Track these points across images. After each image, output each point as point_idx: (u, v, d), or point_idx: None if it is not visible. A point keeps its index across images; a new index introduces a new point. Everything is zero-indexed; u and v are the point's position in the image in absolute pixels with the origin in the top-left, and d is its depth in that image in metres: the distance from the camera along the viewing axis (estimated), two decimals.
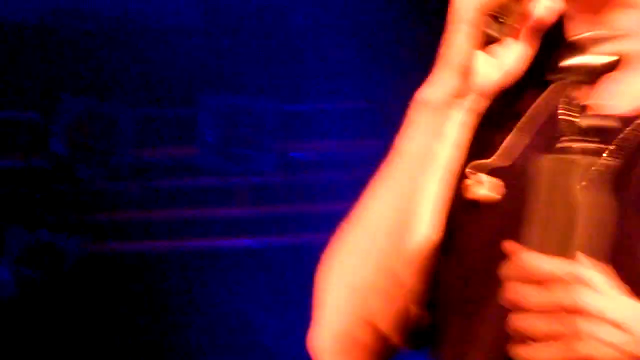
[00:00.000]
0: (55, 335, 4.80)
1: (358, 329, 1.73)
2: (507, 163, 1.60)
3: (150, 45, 4.60)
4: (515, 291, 1.44)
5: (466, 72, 1.58)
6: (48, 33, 4.58)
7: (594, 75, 1.47)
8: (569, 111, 1.58)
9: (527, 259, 1.42)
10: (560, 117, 1.56)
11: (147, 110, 4.72)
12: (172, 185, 4.95)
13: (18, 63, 4.64)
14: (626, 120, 1.61)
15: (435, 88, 1.60)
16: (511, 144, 1.60)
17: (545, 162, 1.39)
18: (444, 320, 1.66)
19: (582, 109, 1.56)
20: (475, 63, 1.56)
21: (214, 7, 4.65)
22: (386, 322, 1.70)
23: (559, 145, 1.41)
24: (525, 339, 1.43)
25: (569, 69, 1.46)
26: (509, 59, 1.59)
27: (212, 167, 4.85)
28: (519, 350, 1.44)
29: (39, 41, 4.57)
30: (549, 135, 1.58)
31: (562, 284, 1.42)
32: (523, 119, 1.65)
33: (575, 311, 1.43)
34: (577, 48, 1.47)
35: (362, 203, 1.69)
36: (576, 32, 1.63)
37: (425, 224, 1.66)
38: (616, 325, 1.43)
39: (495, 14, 1.56)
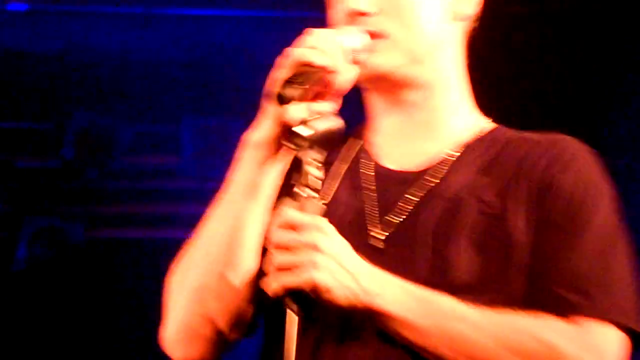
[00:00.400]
0: (59, 304, 5.06)
1: (198, 324, 1.79)
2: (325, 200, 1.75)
3: (143, 73, 4.81)
4: (275, 234, 1.61)
5: (278, 122, 1.65)
6: (63, 62, 4.76)
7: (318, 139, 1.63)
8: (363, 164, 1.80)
9: (287, 212, 1.61)
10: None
11: (139, 125, 4.91)
12: (157, 185, 5.20)
13: (38, 85, 4.83)
14: (415, 175, 1.77)
15: (258, 131, 1.68)
16: (324, 186, 1.72)
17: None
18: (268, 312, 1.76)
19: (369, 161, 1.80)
20: (285, 115, 1.62)
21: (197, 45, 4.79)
22: (222, 319, 1.78)
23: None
24: (277, 271, 1.60)
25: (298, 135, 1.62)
26: (319, 111, 1.67)
27: (190, 172, 5.05)
28: (270, 279, 1.61)
29: (56, 68, 4.77)
30: (351, 181, 1.81)
31: (308, 229, 1.60)
32: (332, 168, 1.81)
33: (314, 248, 1.60)
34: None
35: (202, 222, 1.78)
36: (373, 102, 1.83)
37: (251, 242, 1.75)
38: (346, 269, 1.61)
39: (291, 80, 1.64)
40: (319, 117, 1.65)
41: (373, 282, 1.64)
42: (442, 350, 1.68)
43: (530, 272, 1.73)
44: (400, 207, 1.77)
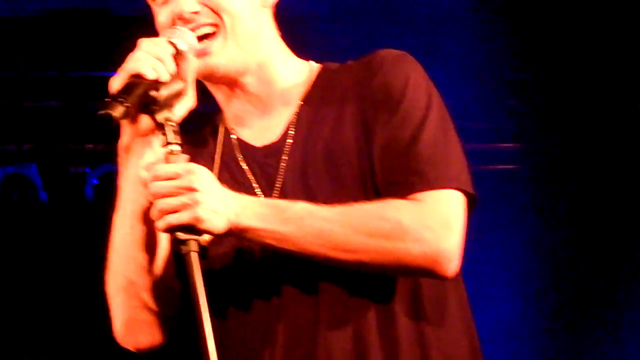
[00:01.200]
0: None
1: (137, 314, 2.11)
2: None
3: None
4: (153, 186, 1.92)
5: (126, 130, 1.98)
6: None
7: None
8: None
9: (160, 167, 1.93)
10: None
11: None
12: None
13: None
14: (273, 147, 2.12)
15: (120, 140, 2.02)
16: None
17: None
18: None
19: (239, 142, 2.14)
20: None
21: None
22: (155, 303, 2.10)
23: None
24: (162, 214, 1.89)
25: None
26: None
27: None
28: (159, 223, 1.91)
29: None
30: (227, 164, 2.14)
31: (183, 174, 1.91)
32: (206, 152, 2.18)
33: (191, 189, 1.91)
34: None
35: (110, 233, 2.12)
36: (220, 93, 2.17)
37: (153, 230, 2.03)
38: (218, 200, 1.92)
39: (118, 94, 1.88)
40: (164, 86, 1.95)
41: (237, 204, 1.98)
42: (312, 248, 2.00)
43: (381, 177, 2.08)
44: (278, 176, 2.16)
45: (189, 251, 1.90)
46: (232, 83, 2.16)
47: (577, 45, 5.52)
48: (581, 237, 5.95)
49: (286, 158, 2.15)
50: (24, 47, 5.30)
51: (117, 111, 1.85)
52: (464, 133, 2.17)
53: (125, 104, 1.86)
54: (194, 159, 2.01)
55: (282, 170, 2.14)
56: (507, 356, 5.76)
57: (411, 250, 1.99)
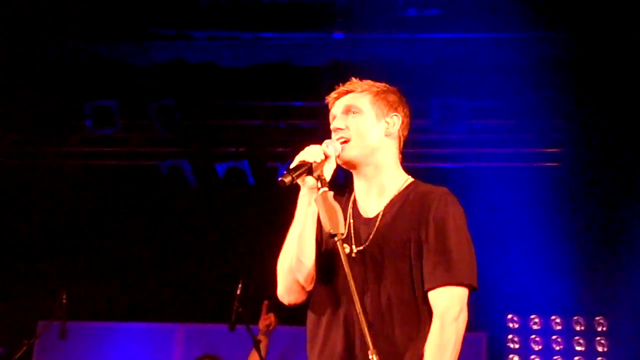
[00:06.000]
0: None
1: (292, 284, 3.12)
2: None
3: None
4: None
5: (302, 183, 3.08)
6: None
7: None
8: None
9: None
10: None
11: None
12: None
13: None
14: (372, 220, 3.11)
15: (303, 187, 3.11)
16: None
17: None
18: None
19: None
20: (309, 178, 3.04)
21: None
22: (303, 281, 3.08)
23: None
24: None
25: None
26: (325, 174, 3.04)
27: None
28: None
29: None
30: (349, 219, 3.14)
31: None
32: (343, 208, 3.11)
33: None
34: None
35: (288, 234, 3.10)
36: (353, 175, 3.22)
37: (309, 241, 3.07)
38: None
39: (290, 169, 3.05)
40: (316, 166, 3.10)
41: None
42: None
43: (428, 263, 3.08)
44: (366, 239, 3.13)
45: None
46: (356, 170, 3.21)
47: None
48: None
49: (374, 231, 3.12)
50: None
51: (287, 179, 3.05)
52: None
53: (293, 175, 3.04)
54: (338, 201, 2.99)
55: (371, 237, 3.14)
56: None
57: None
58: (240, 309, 5.91)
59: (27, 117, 7.65)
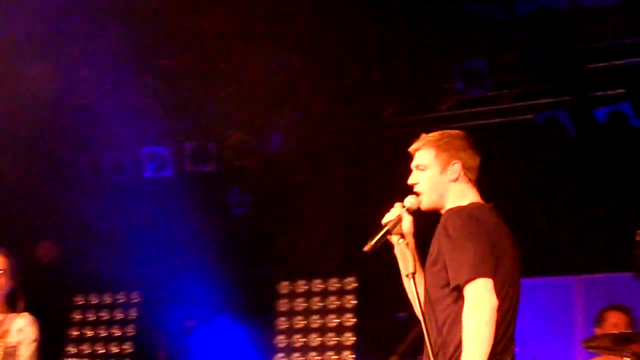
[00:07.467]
0: None
1: None
2: None
3: None
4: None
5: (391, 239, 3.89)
6: None
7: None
8: None
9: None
10: None
11: None
12: None
13: None
14: None
15: (402, 239, 3.89)
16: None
17: None
18: None
19: None
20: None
21: None
22: None
23: None
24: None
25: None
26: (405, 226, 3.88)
27: None
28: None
29: None
30: None
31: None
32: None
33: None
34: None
35: None
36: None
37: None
38: None
39: (373, 239, 3.85)
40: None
41: None
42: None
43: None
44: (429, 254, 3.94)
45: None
46: (436, 211, 3.99)
47: None
48: None
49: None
50: None
51: (367, 249, 3.85)
52: None
53: (371, 244, 3.85)
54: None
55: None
56: None
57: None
58: None
59: (402, 87, 7.96)
